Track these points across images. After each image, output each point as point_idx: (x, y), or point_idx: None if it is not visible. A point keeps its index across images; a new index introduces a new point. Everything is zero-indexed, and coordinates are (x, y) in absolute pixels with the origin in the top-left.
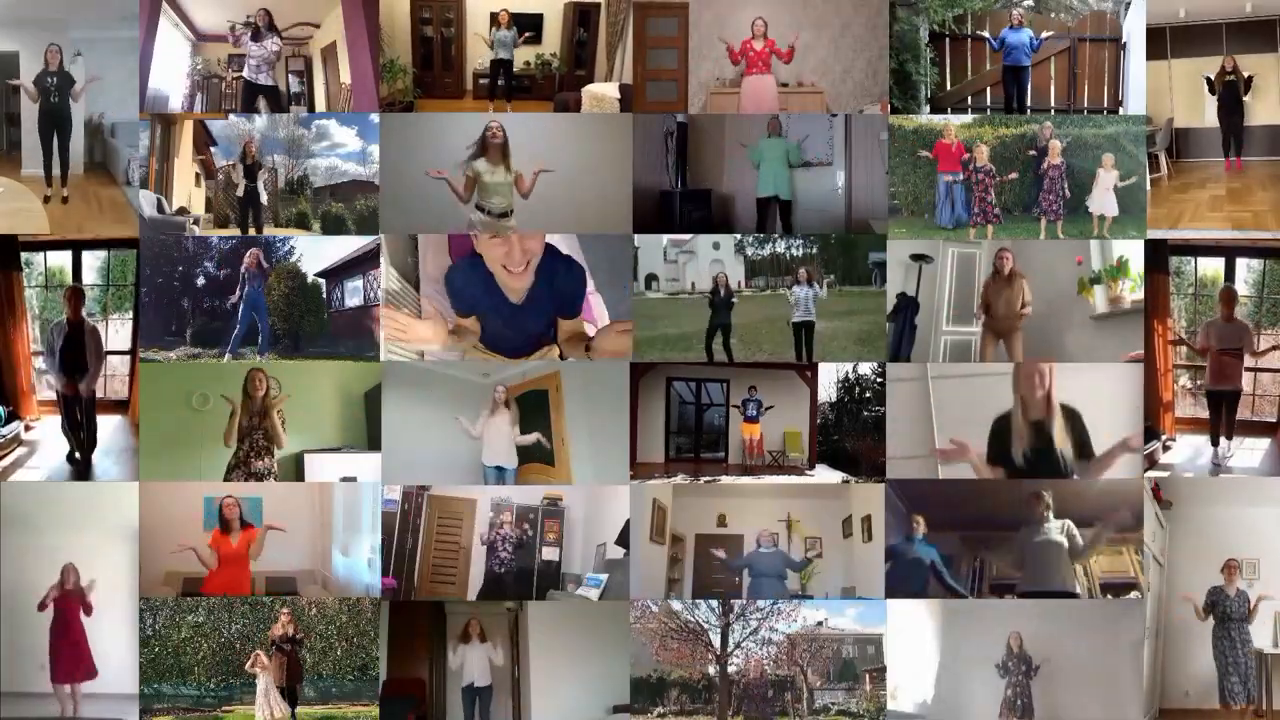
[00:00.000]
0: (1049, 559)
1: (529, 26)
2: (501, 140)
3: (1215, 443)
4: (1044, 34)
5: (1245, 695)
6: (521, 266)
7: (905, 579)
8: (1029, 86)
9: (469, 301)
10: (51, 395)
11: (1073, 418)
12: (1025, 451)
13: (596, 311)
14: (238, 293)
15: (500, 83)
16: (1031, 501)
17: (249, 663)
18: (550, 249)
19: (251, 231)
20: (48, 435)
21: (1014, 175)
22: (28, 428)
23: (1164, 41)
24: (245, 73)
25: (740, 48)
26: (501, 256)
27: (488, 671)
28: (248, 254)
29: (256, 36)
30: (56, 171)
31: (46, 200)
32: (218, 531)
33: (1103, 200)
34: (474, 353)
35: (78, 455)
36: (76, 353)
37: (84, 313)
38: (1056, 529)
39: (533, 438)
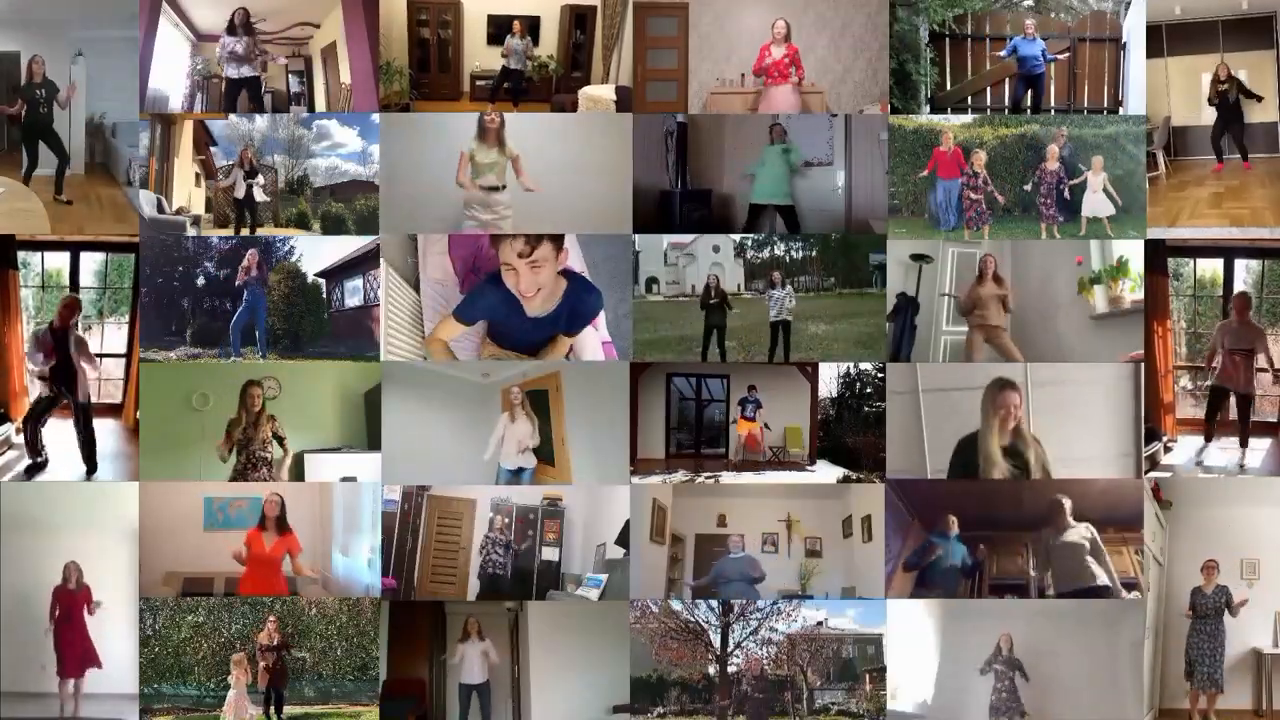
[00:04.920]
0: (1073, 559)
1: (525, 29)
2: (497, 125)
3: (1208, 439)
4: (1054, 52)
5: (1214, 684)
6: (532, 292)
7: (939, 580)
8: (1044, 93)
9: (475, 314)
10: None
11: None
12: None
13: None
14: (243, 295)
15: (507, 85)
16: (1054, 508)
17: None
18: (578, 279)
19: (245, 232)
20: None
21: (1003, 200)
22: (18, 430)
23: (1160, 40)
24: (225, 70)
25: (759, 55)
26: (513, 284)
27: (485, 669)
28: (247, 255)
29: (231, 31)
30: (41, 172)
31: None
32: (256, 529)
33: (1093, 202)
34: (490, 350)
35: (39, 461)
36: (63, 363)
37: (72, 322)
38: (1077, 532)
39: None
